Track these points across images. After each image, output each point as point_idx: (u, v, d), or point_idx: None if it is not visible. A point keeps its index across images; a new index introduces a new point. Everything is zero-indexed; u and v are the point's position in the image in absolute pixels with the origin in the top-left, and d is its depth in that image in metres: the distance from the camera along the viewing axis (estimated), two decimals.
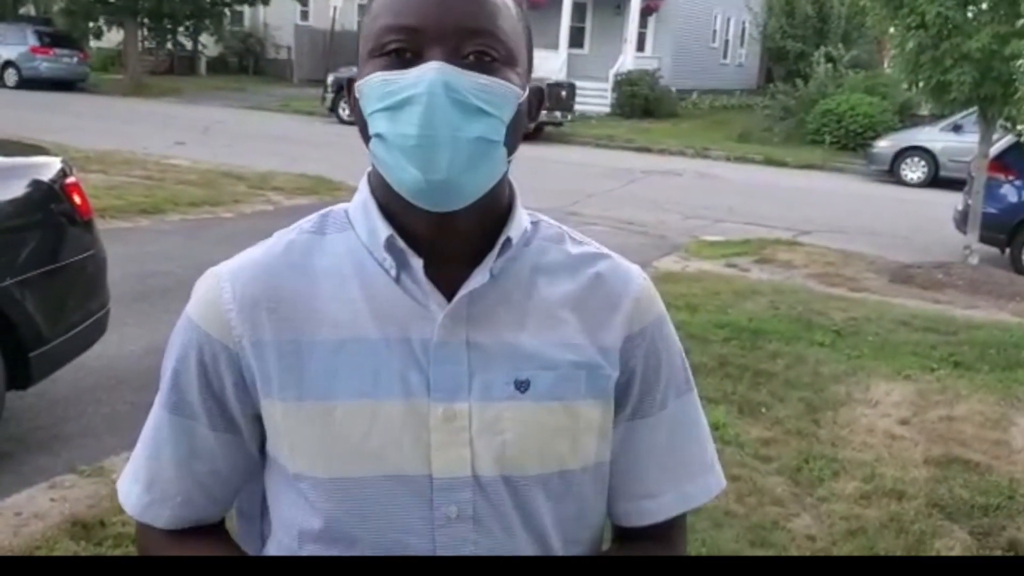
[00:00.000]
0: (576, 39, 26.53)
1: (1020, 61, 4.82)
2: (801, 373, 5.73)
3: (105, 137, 13.93)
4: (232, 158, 13.22)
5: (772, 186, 15.07)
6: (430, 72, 0.91)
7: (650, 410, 1.07)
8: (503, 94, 0.94)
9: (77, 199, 4.18)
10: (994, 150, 10.08)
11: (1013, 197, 10.12)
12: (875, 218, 12.38)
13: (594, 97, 24.36)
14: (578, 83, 21.78)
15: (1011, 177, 10.07)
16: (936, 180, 16.04)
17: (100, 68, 27.67)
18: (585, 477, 1.03)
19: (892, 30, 9.16)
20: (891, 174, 16.63)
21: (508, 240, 1.00)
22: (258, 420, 1.02)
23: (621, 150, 19.14)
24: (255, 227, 9.18)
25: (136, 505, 1.06)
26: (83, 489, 3.67)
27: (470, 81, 0.91)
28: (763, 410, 5.10)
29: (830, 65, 21.84)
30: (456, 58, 0.92)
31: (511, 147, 0.97)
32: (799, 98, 21.59)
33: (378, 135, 0.94)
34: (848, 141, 19.70)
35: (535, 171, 15.08)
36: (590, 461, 1.03)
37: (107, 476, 3.76)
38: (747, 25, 30.27)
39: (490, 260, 0.99)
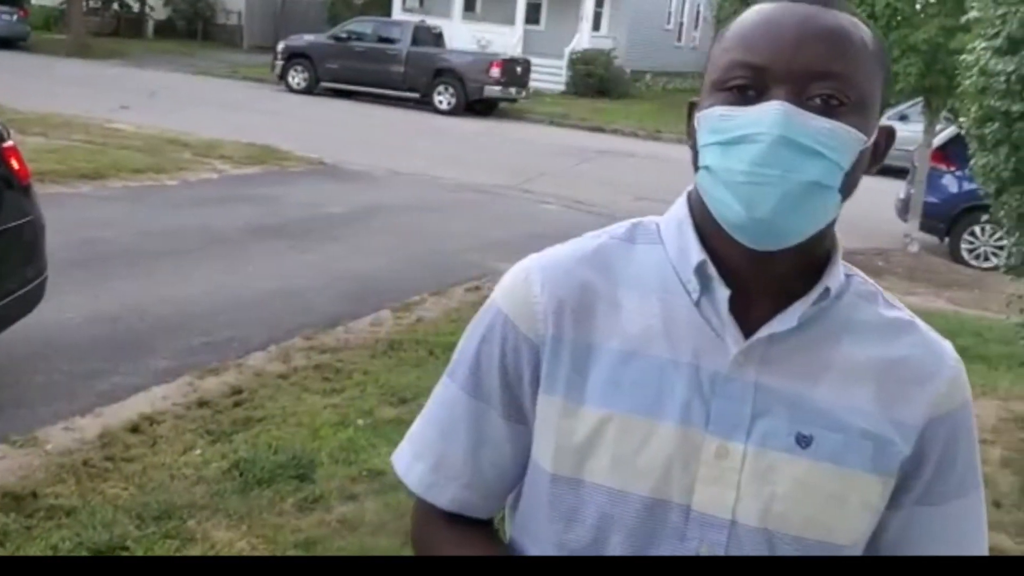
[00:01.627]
0: (532, 15, 26.40)
1: (964, 55, 4.90)
2: None
3: (46, 99, 13.53)
4: (178, 124, 12.93)
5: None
6: (771, 112, 0.89)
7: (938, 499, 1.00)
8: (844, 139, 0.90)
9: (14, 163, 4.07)
10: (937, 141, 10.30)
11: (954, 187, 10.35)
12: None
13: (549, 74, 24.30)
14: (533, 60, 21.66)
15: (952, 168, 10.29)
16: (881, 168, 16.27)
17: (42, 27, 26.75)
18: (844, 552, 0.97)
19: None
20: None
21: (827, 290, 0.97)
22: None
23: (575, 129, 19.14)
24: (200, 195, 9.07)
25: (421, 483, 1.06)
26: (15, 460, 3.59)
27: (810, 125, 0.89)
28: None
29: None
30: (801, 99, 0.89)
31: (846, 193, 0.93)
32: None
33: (706, 167, 0.93)
34: None
35: (488, 147, 15.07)
36: (855, 539, 0.97)
37: (40, 447, 3.70)
38: (701, 8, 30.40)
39: (801, 306, 0.96)
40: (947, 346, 1.03)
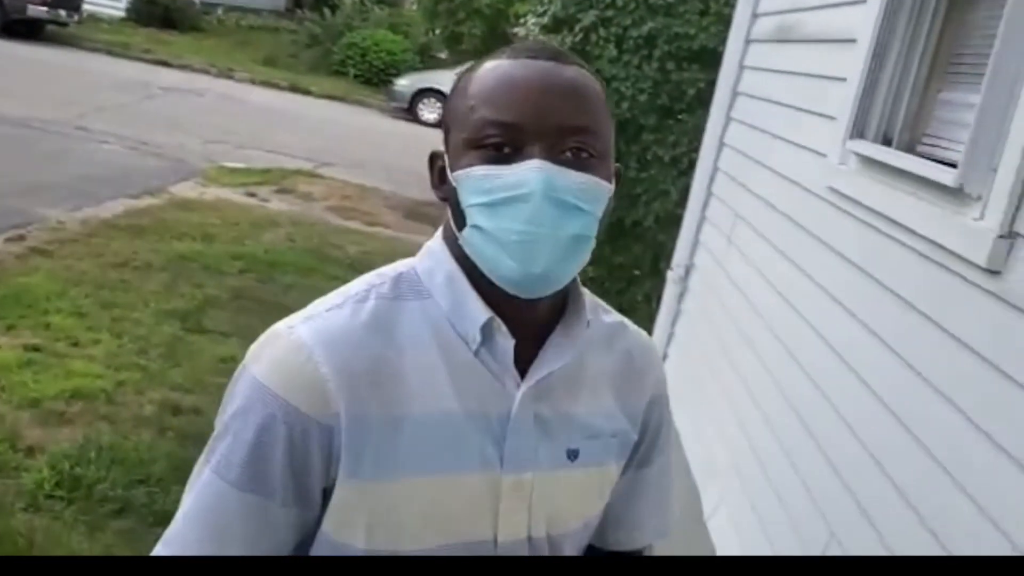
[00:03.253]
0: None
1: (517, 28, 5.34)
2: None
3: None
4: None
5: (297, 114, 15.05)
6: (533, 172, 0.92)
7: (650, 460, 1.18)
8: (598, 192, 0.96)
9: None
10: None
11: None
12: (394, 154, 12.96)
13: None
14: None
15: None
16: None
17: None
18: (597, 520, 1.14)
19: None
20: (410, 112, 17.49)
21: (588, 323, 1.06)
22: (327, 494, 0.98)
23: (137, 61, 17.69)
24: None
25: None
26: None
27: (571, 181, 0.94)
28: None
29: None
30: (555, 154, 0.94)
31: (598, 236, 1.00)
32: (326, 27, 21.71)
33: (476, 227, 0.95)
34: (372, 76, 20.27)
35: (33, 76, 13.40)
36: (602, 508, 1.14)
37: None
38: None
39: (573, 342, 1.03)
40: (650, 339, 1.18)
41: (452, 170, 0.99)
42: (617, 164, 1.03)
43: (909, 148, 2.69)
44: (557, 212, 0.93)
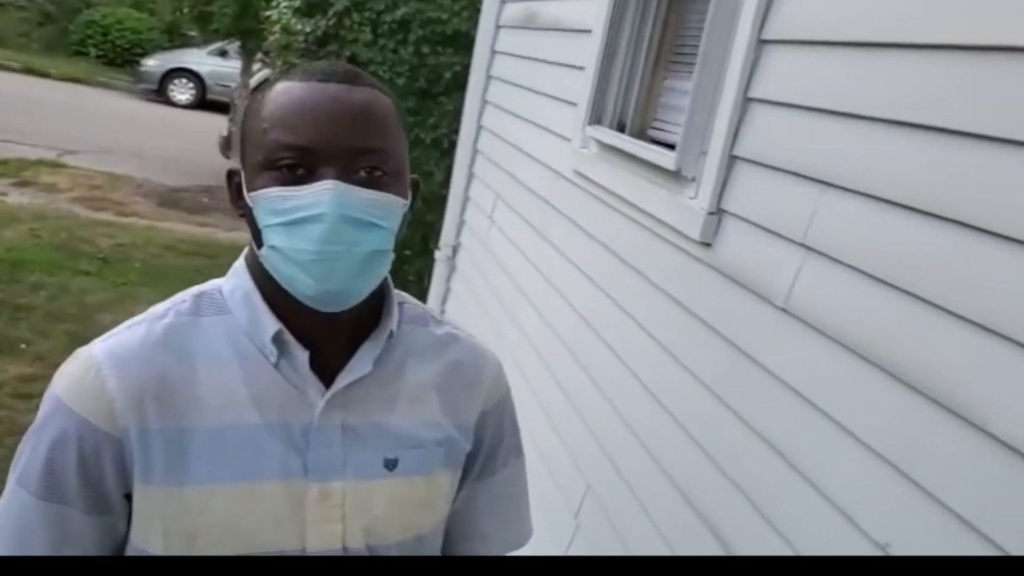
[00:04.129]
0: None
1: (269, 12, 5.24)
2: (65, 304, 5.57)
3: None
4: None
5: (35, 99, 13.92)
6: (326, 192, 0.94)
7: (491, 472, 1.19)
8: (391, 208, 0.99)
9: None
10: (254, 80, 10.79)
11: None
12: (144, 139, 12.31)
13: None
14: None
15: None
16: (204, 103, 16.52)
17: None
18: (434, 537, 1.13)
19: None
20: (160, 94, 16.63)
21: (391, 332, 1.07)
22: (130, 500, 1.00)
23: None
24: None
25: None
26: None
27: (363, 199, 0.96)
28: (23, 346, 4.84)
29: None
30: (348, 175, 0.96)
31: (395, 249, 1.01)
32: (61, 4, 20.15)
33: (273, 247, 0.97)
34: (115, 56, 19.07)
35: None
36: (439, 523, 1.13)
37: None
38: None
39: (373, 350, 1.05)
40: (487, 349, 1.19)
41: (248, 190, 1.00)
42: (414, 175, 1.06)
43: (640, 134, 2.95)
44: (351, 230, 0.95)
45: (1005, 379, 1.28)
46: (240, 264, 1.09)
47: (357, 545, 1.05)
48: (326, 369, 1.04)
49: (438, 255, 5.61)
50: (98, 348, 1.02)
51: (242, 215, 1.03)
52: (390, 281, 1.10)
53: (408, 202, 1.03)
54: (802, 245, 1.80)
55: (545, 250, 3.44)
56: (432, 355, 1.13)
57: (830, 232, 1.74)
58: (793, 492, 1.73)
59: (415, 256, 6.71)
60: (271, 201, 0.97)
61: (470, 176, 5.21)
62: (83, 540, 1.01)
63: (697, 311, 2.15)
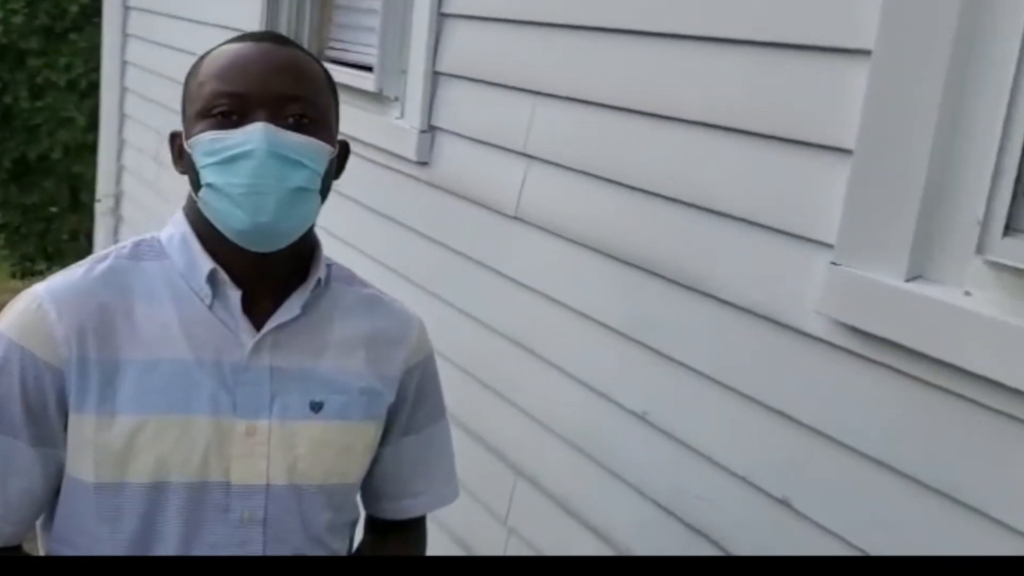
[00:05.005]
0: None
1: None
2: None
3: None
4: None
5: None
6: (256, 132, 1.03)
7: (416, 429, 1.25)
8: (317, 150, 1.07)
9: None
10: None
11: None
12: None
13: None
14: None
15: None
16: None
17: None
18: (357, 488, 1.20)
19: None
20: None
21: (319, 280, 1.14)
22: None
23: None
24: None
25: None
26: None
27: (290, 139, 1.05)
28: None
29: None
30: (278, 120, 1.04)
31: (323, 197, 1.11)
32: None
33: (209, 185, 1.05)
34: None
35: None
36: (359, 473, 1.19)
37: None
38: None
39: (300, 296, 1.12)
40: (411, 313, 1.25)
41: (187, 139, 1.08)
42: (344, 140, 1.15)
43: (319, 56, 2.89)
44: (280, 165, 1.04)
45: (731, 252, 1.46)
46: (178, 215, 1.15)
47: (281, 482, 1.11)
48: (257, 313, 1.11)
49: (98, 208, 5.17)
50: (41, 286, 1.09)
51: (183, 172, 1.11)
52: (318, 238, 1.18)
53: (335, 152, 1.12)
54: (524, 154, 1.89)
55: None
56: (359, 312, 1.20)
57: (549, 139, 1.85)
58: (538, 377, 1.86)
59: (65, 212, 6.12)
60: (207, 143, 1.05)
61: (122, 117, 4.81)
62: (30, 472, 1.08)
63: (424, 230, 2.20)
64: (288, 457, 1.10)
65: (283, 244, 1.07)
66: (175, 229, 1.14)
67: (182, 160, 1.11)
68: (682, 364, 1.55)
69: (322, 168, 1.08)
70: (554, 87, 1.81)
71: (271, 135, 1.03)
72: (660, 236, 1.60)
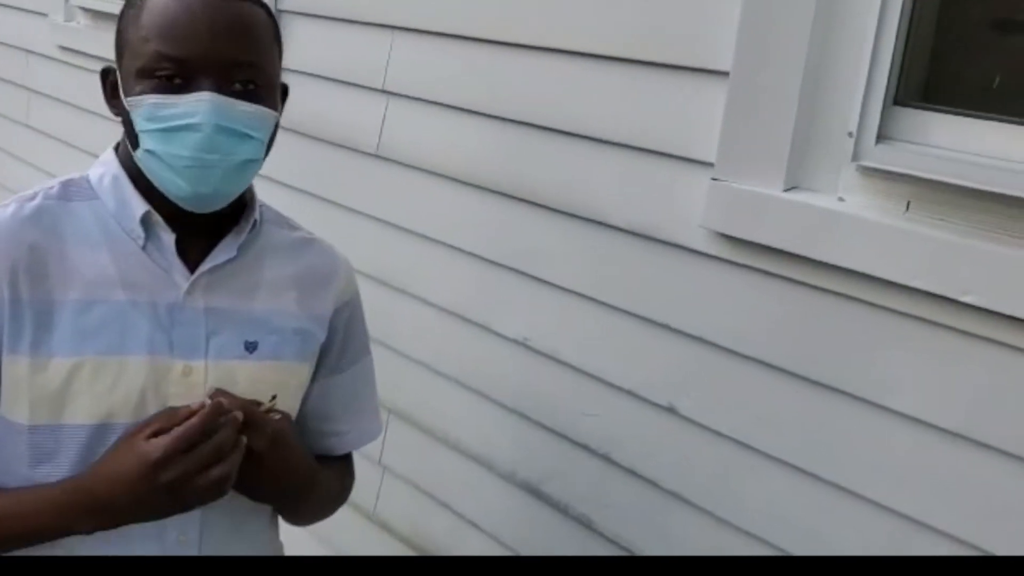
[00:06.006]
0: None
1: None
2: None
3: None
4: None
5: None
6: (203, 104, 1.00)
7: (343, 368, 1.25)
8: (264, 119, 1.06)
9: None
10: None
11: None
12: None
13: None
14: None
15: None
16: None
17: None
18: (294, 426, 1.17)
19: None
20: None
21: (255, 222, 1.13)
22: None
23: None
24: None
25: None
26: None
27: (238, 111, 1.02)
28: None
29: None
30: (224, 87, 1.01)
31: (266, 156, 1.09)
32: None
33: (149, 151, 1.03)
34: None
35: None
36: (294, 413, 1.18)
37: None
38: None
39: (237, 238, 1.11)
40: (339, 253, 1.25)
41: (126, 94, 1.04)
42: (285, 83, 1.12)
43: None
44: (226, 140, 1.02)
45: (611, 177, 1.52)
46: (108, 155, 1.12)
47: None
48: (190, 254, 1.09)
49: None
50: None
51: (117, 114, 1.08)
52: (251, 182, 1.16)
53: (279, 114, 1.10)
54: (383, 91, 1.87)
55: (29, 136, 3.05)
56: (289, 254, 1.19)
57: (405, 74, 1.83)
58: (411, 315, 1.86)
59: None
60: (149, 108, 1.01)
61: None
62: None
63: (281, 178, 2.13)
64: None
65: (221, 206, 1.07)
66: (105, 169, 1.11)
67: (115, 102, 1.07)
68: (564, 289, 1.60)
69: (267, 136, 1.07)
70: (413, 21, 1.80)
71: (218, 107, 1.00)
72: (535, 165, 1.63)
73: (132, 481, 0.98)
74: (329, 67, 1.99)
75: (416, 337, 1.88)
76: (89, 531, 1.02)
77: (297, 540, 1.39)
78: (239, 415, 1.03)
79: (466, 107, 1.73)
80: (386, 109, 1.87)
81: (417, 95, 1.81)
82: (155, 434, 0.99)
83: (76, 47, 2.76)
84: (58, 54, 2.85)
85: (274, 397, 1.09)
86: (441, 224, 1.80)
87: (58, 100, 2.91)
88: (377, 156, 1.90)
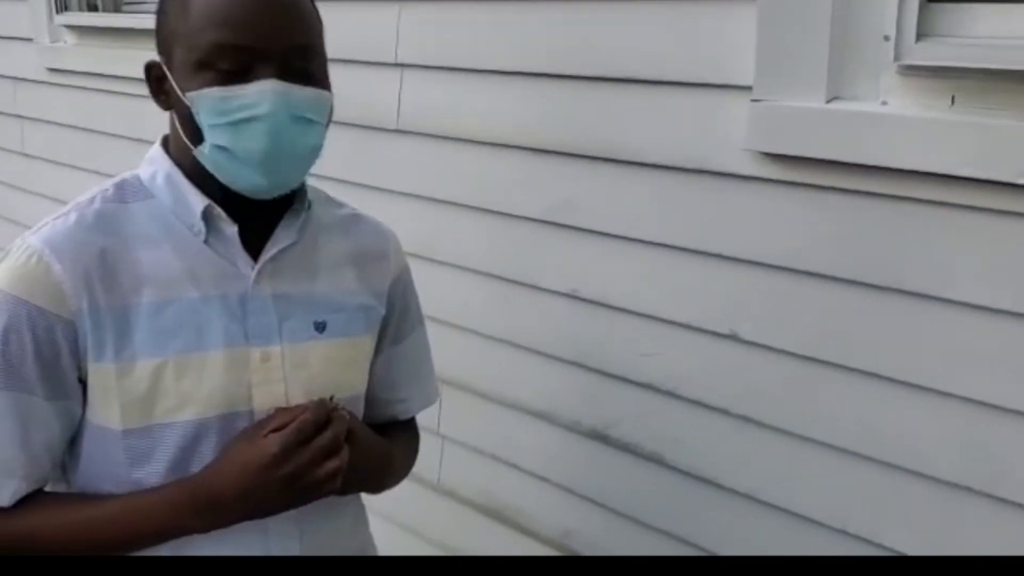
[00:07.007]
0: None
1: None
2: None
3: None
4: None
5: None
6: (269, 92, 1.00)
7: (402, 338, 1.29)
8: (325, 103, 1.07)
9: None
10: None
11: None
12: None
13: None
14: None
15: None
16: None
17: None
18: (363, 398, 1.22)
19: None
20: None
21: (310, 203, 1.15)
22: (84, 384, 1.05)
23: None
24: None
25: None
26: None
27: (302, 97, 1.02)
28: None
29: None
30: (285, 74, 1.01)
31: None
32: None
33: (219, 147, 1.02)
34: None
35: None
36: (363, 383, 1.22)
37: None
38: None
39: (295, 222, 1.13)
40: (386, 226, 1.27)
41: (183, 89, 1.02)
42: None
43: (116, 8, 2.71)
44: (294, 127, 1.02)
45: (649, 115, 1.53)
46: (156, 152, 1.12)
47: (300, 401, 1.11)
48: (249, 243, 1.10)
49: None
50: (33, 238, 1.05)
51: (166, 108, 1.08)
52: None
53: (333, 96, 1.10)
54: (396, 64, 1.87)
55: (35, 167, 3.04)
56: (341, 231, 1.21)
57: (417, 44, 1.84)
58: (448, 282, 1.88)
59: None
60: (214, 101, 1.01)
61: None
62: (47, 425, 1.06)
63: None
64: (302, 377, 1.12)
65: (287, 192, 1.09)
66: (156, 167, 1.11)
67: (162, 96, 1.07)
68: (607, 234, 1.62)
69: (327, 119, 1.08)
70: None
71: (284, 95, 1.00)
72: (560, 116, 1.64)
73: (251, 475, 1.01)
74: (339, 48, 1.97)
75: (462, 305, 1.89)
76: (202, 530, 1.05)
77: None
78: (346, 411, 1.08)
79: (483, 68, 1.73)
80: (401, 81, 1.88)
81: (431, 63, 1.82)
82: (271, 432, 1.02)
83: (65, 67, 2.74)
84: (47, 76, 2.84)
85: (332, 397, 1.10)
86: (472, 188, 1.82)
87: (51, 123, 2.89)
88: (399, 131, 1.90)
